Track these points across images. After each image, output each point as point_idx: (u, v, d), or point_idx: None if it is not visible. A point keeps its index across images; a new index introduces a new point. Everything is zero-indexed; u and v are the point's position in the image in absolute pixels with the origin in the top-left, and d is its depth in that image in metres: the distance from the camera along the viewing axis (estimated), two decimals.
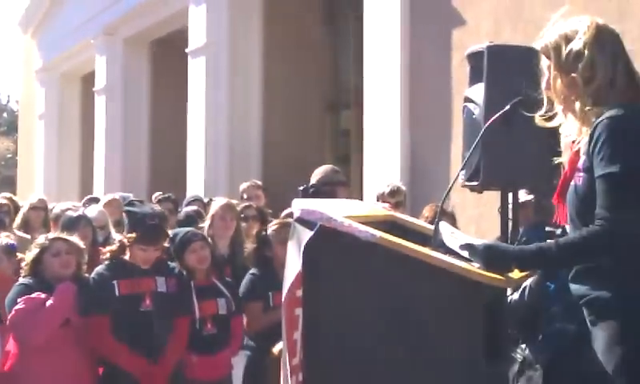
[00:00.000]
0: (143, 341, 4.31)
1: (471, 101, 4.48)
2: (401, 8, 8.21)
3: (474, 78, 4.54)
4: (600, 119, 2.47)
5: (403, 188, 6.20)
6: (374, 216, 3.20)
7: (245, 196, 6.99)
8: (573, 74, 2.55)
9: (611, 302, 2.47)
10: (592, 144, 2.48)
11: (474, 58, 4.61)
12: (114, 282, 4.35)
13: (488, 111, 4.11)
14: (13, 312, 4.08)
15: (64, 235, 4.49)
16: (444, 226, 2.88)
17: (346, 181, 5.09)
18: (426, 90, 8.03)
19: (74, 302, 4.19)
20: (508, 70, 4.24)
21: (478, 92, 4.42)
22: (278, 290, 3.72)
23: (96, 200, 8.18)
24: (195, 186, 11.56)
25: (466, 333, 2.56)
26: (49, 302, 4.09)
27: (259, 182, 7.57)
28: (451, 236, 2.78)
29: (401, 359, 2.62)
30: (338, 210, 2.79)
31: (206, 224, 5.40)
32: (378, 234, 2.64)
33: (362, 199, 7.31)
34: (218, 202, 5.63)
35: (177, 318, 4.47)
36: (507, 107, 3.10)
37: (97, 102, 15.70)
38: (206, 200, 7.19)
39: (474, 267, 2.56)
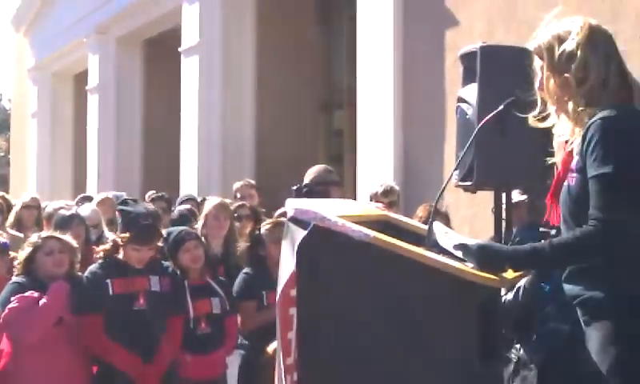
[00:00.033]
0: (137, 340, 4.30)
1: (464, 101, 4.49)
2: (394, 8, 8.21)
3: (467, 79, 4.56)
4: (593, 120, 2.48)
5: (396, 188, 6.20)
6: (367, 216, 3.21)
7: (238, 195, 6.98)
8: (566, 75, 2.56)
9: (604, 302, 2.48)
10: (585, 144, 2.48)
11: (467, 59, 4.62)
12: (108, 280, 4.34)
13: (481, 111, 4.12)
14: (6, 311, 4.07)
15: (57, 234, 4.48)
16: (438, 226, 2.88)
17: (339, 181, 5.09)
18: (420, 90, 8.04)
19: (67, 300, 4.18)
20: (501, 70, 4.26)
21: (472, 92, 4.43)
22: (272, 289, 3.72)
23: (89, 199, 8.16)
24: (188, 185, 11.55)
25: (460, 333, 2.57)
26: (42, 301, 4.08)
27: (253, 182, 7.56)
28: (445, 236, 2.78)
29: (395, 359, 2.62)
30: (332, 210, 2.79)
31: (199, 223, 5.40)
32: (372, 233, 2.65)
33: (355, 199, 7.31)
34: (211, 202, 5.62)
35: (171, 317, 4.47)
36: (500, 107, 3.11)
37: (89, 101, 15.67)
38: (199, 199, 7.18)
39: (468, 267, 2.57)
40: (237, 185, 7.25)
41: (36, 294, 4.10)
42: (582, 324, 2.57)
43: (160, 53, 14.15)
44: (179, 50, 12.22)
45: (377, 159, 8.28)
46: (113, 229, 5.78)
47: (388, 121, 8.21)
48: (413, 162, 8.04)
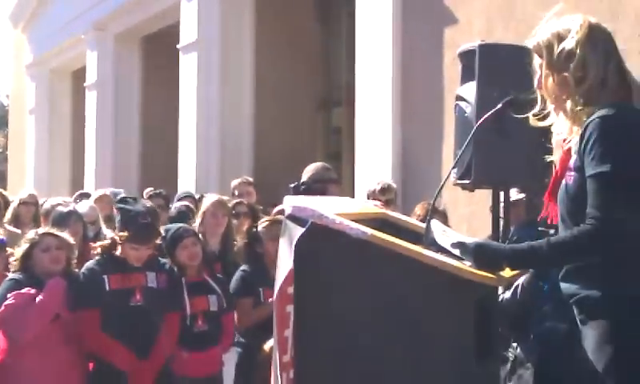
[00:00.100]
0: (133, 336, 4.29)
1: (463, 99, 4.49)
2: (393, 5, 8.21)
3: (466, 77, 4.56)
4: (591, 118, 2.47)
5: (394, 186, 6.20)
6: (365, 213, 3.20)
7: (236, 192, 6.98)
8: (564, 74, 2.55)
9: (601, 301, 2.48)
10: (583, 143, 2.48)
11: (466, 57, 4.62)
12: (104, 276, 4.33)
13: (480, 110, 4.12)
14: (2, 307, 4.06)
15: (54, 231, 4.47)
16: (436, 224, 2.88)
17: (337, 178, 5.08)
18: (418, 88, 8.04)
19: (63, 297, 4.17)
20: (500, 68, 4.26)
21: (470, 90, 4.43)
22: (269, 286, 3.72)
23: (87, 195, 8.15)
24: (186, 182, 11.54)
25: (457, 331, 2.56)
26: (39, 298, 4.08)
27: (250, 179, 7.56)
28: (443, 234, 2.78)
29: (391, 357, 2.62)
30: (330, 208, 2.79)
31: (197, 221, 5.39)
32: (370, 231, 2.64)
33: (353, 197, 7.31)
34: (209, 199, 5.62)
35: (167, 313, 4.46)
36: (499, 106, 3.10)
37: (87, 98, 15.66)
38: (197, 196, 7.18)
39: (466, 265, 2.57)
40: (235, 182, 7.25)
41: (32, 291, 4.10)
42: (579, 323, 2.57)
43: (158, 50, 14.13)
44: (177, 46, 12.21)
45: (375, 157, 8.28)
46: (110, 226, 5.77)
47: (386, 118, 8.20)
48: (411, 159, 8.03)
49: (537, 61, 2.65)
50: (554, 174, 2.70)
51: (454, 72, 6.01)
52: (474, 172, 4.30)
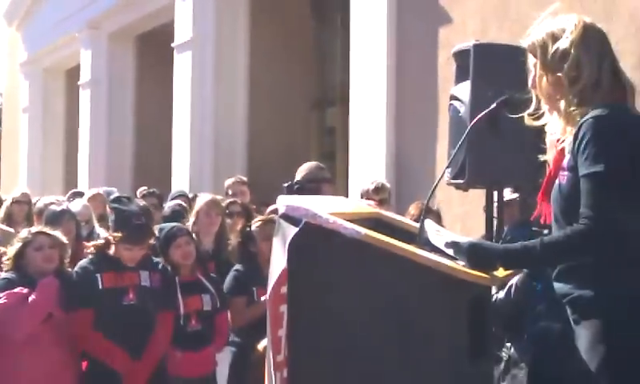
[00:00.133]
0: (127, 335, 4.28)
1: (457, 99, 4.49)
2: (387, 5, 8.20)
3: (460, 76, 4.56)
4: (585, 119, 2.48)
5: (387, 185, 6.20)
6: (359, 213, 3.20)
7: (230, 192, 6.97)
8: (558, 74, 2.55)
9: (594, 301, 2.48)
10: (577, 143, 2.48)
11: (461, 57, 4.62)
12: (97, 275, 4.32)
13: (474, 109, 4.13)
14: None
15: (47, 229, 4.46)
16: (429, 224, 2.88)
17: (331, 178, 5.08)
18: (412, 87, 8.04)
19: (56, 296, 4.16)
20: (494, 68, 4.26)
21: (464, 90, 4.44)
22: (263, 285, 3.71)
23: (80, 194, 8.14)
24: (180, 181, 11.52)
25: (450, 331, 2.56)
26: (31, 297, 4.06)
27: (244, 178, 7.54)
28: (436, 234, 2.78)
29: (385, 357, 2.61)
30: (323, 207, 2.78)
31: (190, 220, 5.38)
32: (364, 231, 2.64)
33: (347, 196, 7.30)
34: (202, 198, 5.61)
35: (161, 312, 4.44)
36: (493, 106, 3.10)
37: (81, 96, 15.62)
38: (190, 195, 7.17)
39: (459, 265, 2.57)
40: (228, 181, 7.24)
41: (25, 290, 4.08)
42: (572, 322, 2.57)
43: (152, 48, 14.11)
44: (172, 45, 12.19)
45: (369, 157, 8.28)
46: (104, 225, 5.75)
47: (380, 118, 8.20)
48: (405, 159, 8.04)
49: (531, 60, 2.65)
50: (547, 173, 2.70)
51: (448, 72, 6.02)
52: (468, 172, 4.30)
